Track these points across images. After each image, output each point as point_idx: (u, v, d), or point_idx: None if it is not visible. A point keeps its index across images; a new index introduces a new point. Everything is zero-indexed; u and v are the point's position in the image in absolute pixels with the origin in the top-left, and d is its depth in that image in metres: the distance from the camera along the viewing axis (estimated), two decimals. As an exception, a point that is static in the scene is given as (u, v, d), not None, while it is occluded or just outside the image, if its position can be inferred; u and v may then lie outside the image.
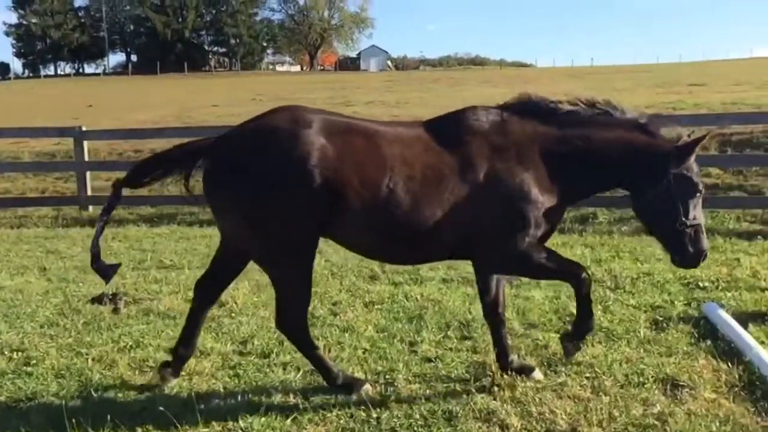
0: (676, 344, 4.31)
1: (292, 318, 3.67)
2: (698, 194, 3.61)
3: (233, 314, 5.18)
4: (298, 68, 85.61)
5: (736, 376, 3.79)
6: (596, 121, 3.67)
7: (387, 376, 3.96)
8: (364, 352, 4.35)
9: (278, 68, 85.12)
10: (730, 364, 3.92)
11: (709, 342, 4.33)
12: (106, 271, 3.63)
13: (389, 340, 4.53)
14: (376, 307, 5.28)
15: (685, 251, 3.66)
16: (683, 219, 3.57)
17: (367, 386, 3.75)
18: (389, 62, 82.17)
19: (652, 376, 3.83)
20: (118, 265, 3.73)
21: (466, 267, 6.39)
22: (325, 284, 5.94)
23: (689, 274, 5.91)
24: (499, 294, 3.95)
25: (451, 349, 4.38)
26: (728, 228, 7.88)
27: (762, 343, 4.27)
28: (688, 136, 3.65)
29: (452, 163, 3.52)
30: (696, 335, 4.48)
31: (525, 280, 5.94)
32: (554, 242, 7.39)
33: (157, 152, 3.81)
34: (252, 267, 3.95)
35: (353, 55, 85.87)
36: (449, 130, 3.64)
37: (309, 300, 3.74)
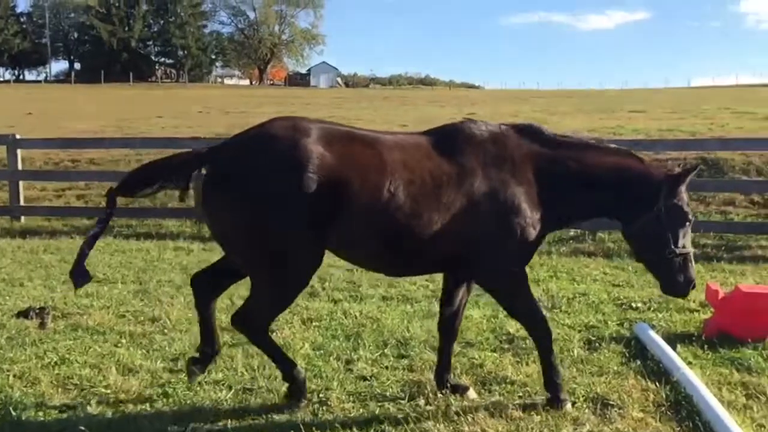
0: (607, 364, 4.38)
1: (259, 321, 3.65)
2: (688, 223, 3.67)
3: (166, 330, 5.05)
4: (247, 82, 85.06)
5: (664, 396, 3.86)
6: (591, 146, 3.78)
7: (321, 395, 3.91)
8: (299, 370, 4.27)
9: (227, 81, 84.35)
10: (658, 383, 4.00)
11: (639, 362, 4.42)
12: (82, 277, 3.50)
13: (325, 358, 4.48)
14: (314, 324, 5.23)
15: (674, 280, 3.70)
16: (673, 248, 3.61)
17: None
18: (339, 79, 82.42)
19: (583, 396, 3.87)
20: (90, 278, 3.59)
21: (407, 285, 6.43)
22: (263, 300, 5.84)
23: (623, 295, 6.07)
24: (461, 308, 4.00)
25: (387, 367, 4.35)
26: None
27: (689, 363, 4.39)
28: (679, 166, 3.77)
29: (450, 172, 3.55)
30: (627, 355, 4.57)
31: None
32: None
33: (154, 160, 3.76)
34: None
35: (303, 71, 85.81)
36: (449, 139, 3.68)
37: (283, 309, 3.78)
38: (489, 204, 3.54)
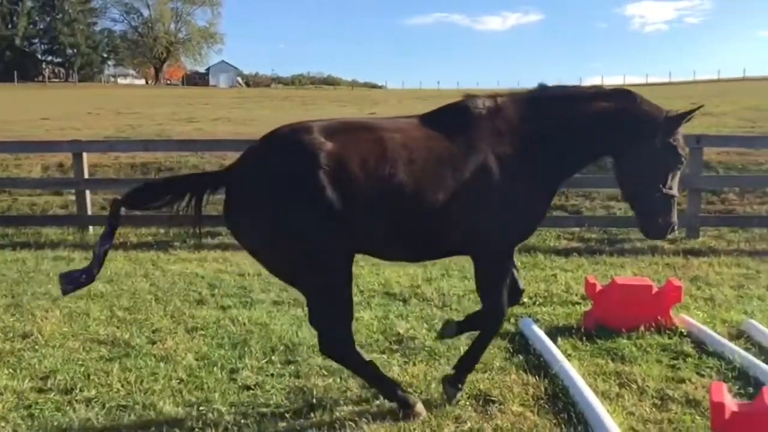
0: (492, 360, 4.46)
1: (339, 338, 3.55)
2: (680, 165, 3.69)
3: (37, 347, 4.73)
4: (142, 82, 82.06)
5: (543, 389, 3.97)
6: (587, 96, 3.74)
7: (201, 408, 3.77)
8: (179, 383, 4.11)
9: (120, 81, 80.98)
10: (538, 377, 4.11)
11: (521, 357, 4.52)
12: (72, 283, 3.34)
13: (209, 369, 4.33)
14: (199, 332, 5.05)
15: (656, 222, 3.70)
16: (662, 188, 3.62)
17: (420, 406, 3.65)
18: (239, 79, 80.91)
19: (466, 393, 3.92)
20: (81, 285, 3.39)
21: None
22: (146, 310, 5.60)
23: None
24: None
25: (272, 375, 4.25)
26: (549, 245, 8.39)
27: (569, 355, 4.53)
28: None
29: (454, 149, 3.53)
30: (511, 350, 4.67)
31: (356, 300, 5.97)
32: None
33: (168, 177, 3.70)
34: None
35: (202, 70, 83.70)
36: (449, 118, 3.67)
37: (352, 317, 3.61)
38: (496, 179, 3.53)
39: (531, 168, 3.59)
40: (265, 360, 4.49)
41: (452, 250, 3.82)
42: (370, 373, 3.67)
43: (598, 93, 3.74)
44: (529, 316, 5.35)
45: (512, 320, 5.33)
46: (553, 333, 4.97)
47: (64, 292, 3.35)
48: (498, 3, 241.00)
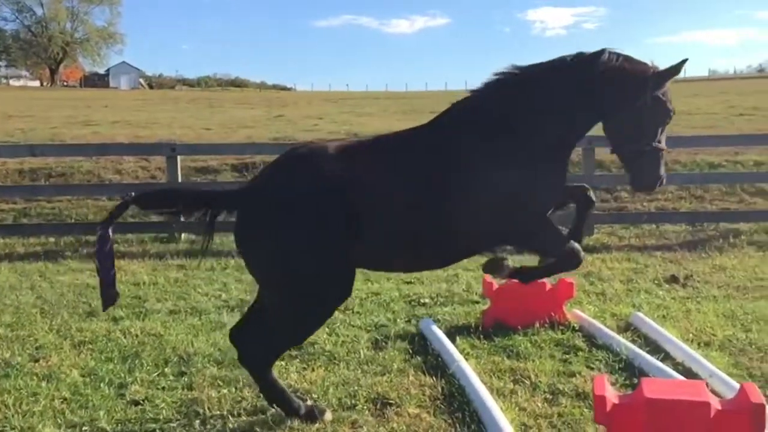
0: (391, 362, 4.46)
1: (273, 357, 3.65)
2: (668, 120, 3.68)
3: None
4: (37, 83, 77.93)
5: (440, 390, 3.99)
6: (578, 65, 3.65)
7: (85, 428, 3.57)
8: (62, 402, 3.88)
9: (13, 83, 76.62)
10: (435, 378, 4.14)
11: (420, 358, 4.54)
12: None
13: (95, 385, 4.11)
14: (87, 347, 4.80)
15: (645, 175, 3.67)
16: (651, 142, 3.61)
17: (328, 413, 3.66)
18: (142, 80, 78.26)
19: (364, 397, 3.89)
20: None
21: (197, 296, 6.16)
22: (30, 325, 5.28)
23: (413, 292, 6.24)
24: None
25: (164, 388, 4.08)
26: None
27: (467, 354, 4.59)
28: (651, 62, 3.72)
29: (455, 153, 3.56)
30: (411, 351, 4.68)
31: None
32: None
33: (184, 186, 3.58)
34: None
35: (101, 71, 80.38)
36: (442, 123, 3.72)
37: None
38: (506, 168, 3.53)
39: (538, 143, 3.61)
40: (157, 373, 4.31)
41: (469, 251, 3.87)
42: (277, 392, 3.65)
43: (582, 60, 3.67)
44: (430, 317, 5.39)
45: (413, 321, 5.37)
46: (453, 332, 5.02)
47: (105, 308, 3.51)
48: (406, 6, 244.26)
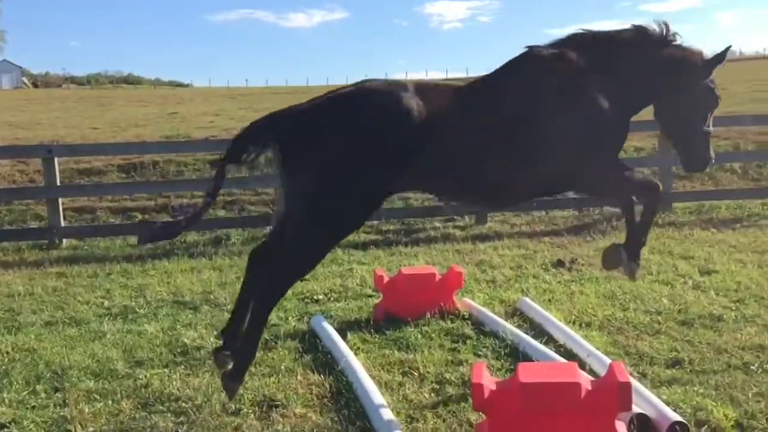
0: (280, 362, 4.36)
1: (277, 289, 3.52)
2: (716, 105, 3.96)
3: None
4: None
5: (328, 387, 3.94)
6: (639, 40, 3.89)
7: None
8: None
9: None
10: (324, 375, 4.08)
11: (310, 356, 4.48)
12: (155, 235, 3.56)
13: (-44, 410, 3.80)
14: (-52, 368, 4.43)
15: (698, 156, 3.96)
16: (704, 126, 3.90)
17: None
18: (25, 79, 73.84)
19: (249, 400, 3.78)
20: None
21: (77, 305, 5.83)
22: None
23: (307, 289, 6.16)
24: None
25: (34, 407, 3.82)
26: (348, 240, 8.45)
27: (358, 349, 4.57)
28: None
29: (528, 94, 3.70)
30: (300, 350, 4.60)
31: (142, 312, 5.62)
32: (182, 267, 7.19)
33: (250, 124, 3.54)
34: None
35: (-22, 69, 75.19)
36: (519, 65, 3.84)
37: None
38: (577, 115, 3.68)
39: (610, 101, 3.76)
40: (28, 391, 4.02)
41: (544, 190, 4.01)
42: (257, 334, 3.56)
43: (653, 41, 3.90)
44: (323, 313, 5.33)
45: (305, 319, 5.29)
46: (345, 328, 4.98)
47: (141, 242, 3.58)
48: (303, 0, 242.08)
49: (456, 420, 3.51)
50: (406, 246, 8.01)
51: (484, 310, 5.16)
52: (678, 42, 3.93)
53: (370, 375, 4.02)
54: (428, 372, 4.13)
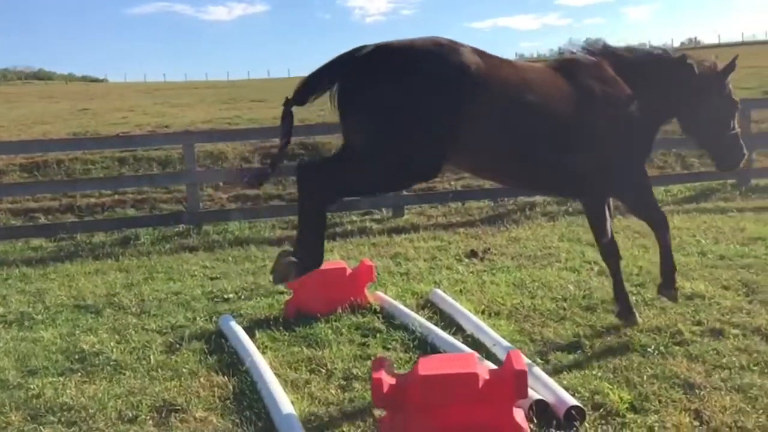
0: (184, 365, 4.22)
1: (336, 192, 3.66)
2: (737, 108, 4.45)
3: None
4: None
5: (231, 388, 3.84)
6: (664, 59, 4.35)
7: None
8: None
9: None
10: (228, 377, 3.97)
11: (216, 357, 4.35)
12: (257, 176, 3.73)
13: None
14: None
15: (732, 155, 4.45)
16: (730, 129, 4.37)
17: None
18: None
19: (148, 406, 3.64)
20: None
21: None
22: None
23: (217, 288, 6.01)
24: (612, 234, 4.61)
25: None
26: (263, 236, 8.34)
27: (266, 347, 4.47)
28: (716, 57, 4.52)
29: (576, 92, 4.02)
30: (206, 351, 4.47)
31: (39, 318, 5.34)
32: (86, 269, 6.89)
33: (321, 66, 3.65)
34: None
35: None
36: (568, 66, 4.18)
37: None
38: (613, 122, 4.08)
39: (636, 111, 4.17)
40: None
41: (571, 183, 4.27)
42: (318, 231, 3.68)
43: (680, 60, 4.35)
44: (232, 313, 5.21)
45: (214, 319, 5.14)
46: (254, 327, 4.88)
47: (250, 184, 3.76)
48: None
49: (361, 416, 3.47)
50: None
51: (396, 303, 5.15)
52: (691, 62, 4.36)
53: (276, 374, 3.94)
54: (336, 368, 4.08)
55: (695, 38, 75.67)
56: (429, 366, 3.03)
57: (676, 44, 71.53)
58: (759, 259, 6.00)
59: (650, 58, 4.35)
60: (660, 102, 4.31)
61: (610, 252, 4.60)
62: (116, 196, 9.89)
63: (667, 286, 4.55)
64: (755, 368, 3.75)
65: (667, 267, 4.53)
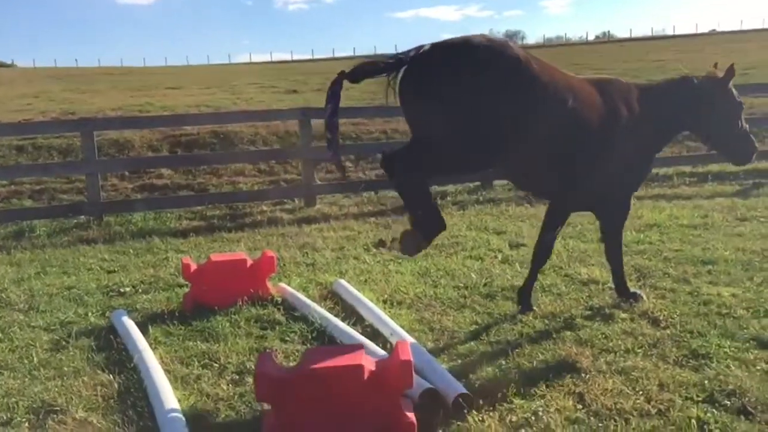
0: (68, 364, 4.02)
1: (415, 170, 3.79)
2: (742, 108, 4.79)
3: None
4: None
5: (116, 387, 3.67)
6: (673, 86, 4.72)
7: None
8: None
9: None
10: (114, 374, 3.81)
11: (104, 354, 4.17)
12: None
13: None
14: None
15: (743, 152, 4.82)
16: (740, 127, 4.72)
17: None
18: None
19: (25, 408, 3.44)
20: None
21: None
22: None
23: (114, 282, 5.78)
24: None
25: None
26: (169, 227, 8.08)
27: (160, 343, 4.32)
28: (714, 66, 4.88)
29: (607, 114, 4.32)
30: (94, 348, 4.28)
31: None
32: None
33: (377, 58, 3.92)
34: None
35: None
36: (603, 85, 4.48)
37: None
38: (629, 146, 4.41)
39: (647, 136, 4.56)
40: None
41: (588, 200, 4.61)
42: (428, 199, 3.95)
43: (678, 85, 4.71)
44: (128, 307, 5.01)
45: (107, 314, 4.93)
46: (149, 321, 4.70)
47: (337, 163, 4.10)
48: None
49: (251, 411, 3.38)
50: (230, 231, 7.75)
51: (298, 294, 5.07)
52: (695, 79, 4.71)
53: (166, 370, 3.81)
54: (230, 362, 3.98)
55: (608, 32, 78.45)
56: (314, 359, 2.98)
57: (591, 38, 74.17)
58: (652, 245, 6.25)
59: (664, 85, 4.79)
60: (673, 121, 4.73)
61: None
62: (12, 187, 9.38)
63: (622, 292, 4.77)
64: (639, 351, 3.88)
65: (618, 270, 4.79)
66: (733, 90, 4.79)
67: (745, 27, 65.18)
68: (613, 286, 4.83)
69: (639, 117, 4.47)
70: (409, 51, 3.91)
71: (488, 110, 3.70)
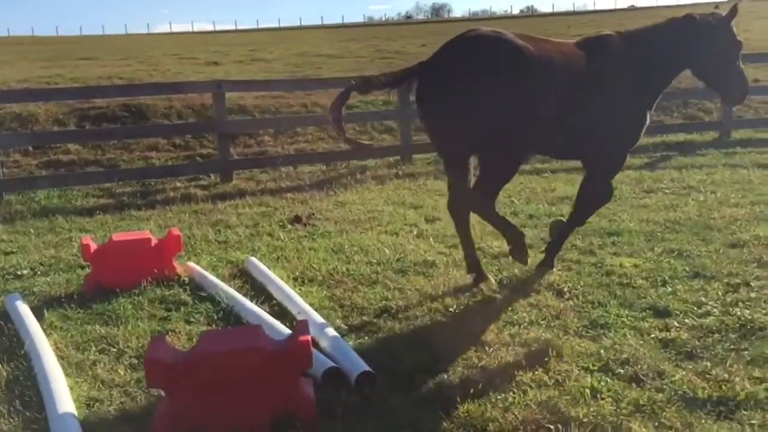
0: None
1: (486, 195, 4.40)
2: (740, 48, 4.76)
3: None
4: None
5: (4, 376, 3.48)
6: (667, 25, 4.74)
7: None
8: None
9: None
10: (2, 363, 3.60)
11: (-5, 341, 3.95)
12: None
13: None
14: None
15: (737, 92, 4.85)
16: (737, 66, 4.73)
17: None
18: None
19: None
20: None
21: None
22: None
23: (10, 264, 5.48)
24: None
25: None
26: (74, 205, 7.73)
27: (55, 327, 4.13)
28: (716, 6, 4.95)
29: (597, 70, 4.47)
30: (-15, 336, 4.04)
31: None
32: None
33: (389, 73, 4.42)
34: None
35: None
36: (593, 45, 4.63)
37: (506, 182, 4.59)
38: (621, 98, 4.50)
39: (644, 83, 4.63)
40: None
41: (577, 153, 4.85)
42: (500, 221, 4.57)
43: (677, 24, 4.71)
44: (24, 290, 4.76)
45: (2, 298, 4.67)
46: (46, 305, 4.49)
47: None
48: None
49: (146, 397, 3.27)
50: (140, 209, 7.46)
51: (206, 273, 4.93)
52: (696, 18, 4.74)
53: (60, 356, 3.66)
54: (129, 346, 3.83)
55: (532, 6, 79.73)
56: (210, 342, 2.88)
57: (515, 11, 75.26)
58: (563, 218, 6.36)
59: (662, 25, 4.78)
60: (675, 59, 4.74)
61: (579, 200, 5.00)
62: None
63: (549, 264, 4.89)
64: (542, 322, 3.95)
65: (558, 243, 4.97)
66: (734, 29, 4.82)
67: (661, 3, 67.50)
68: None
69: (638, 58, 4.59)
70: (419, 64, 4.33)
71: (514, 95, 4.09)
